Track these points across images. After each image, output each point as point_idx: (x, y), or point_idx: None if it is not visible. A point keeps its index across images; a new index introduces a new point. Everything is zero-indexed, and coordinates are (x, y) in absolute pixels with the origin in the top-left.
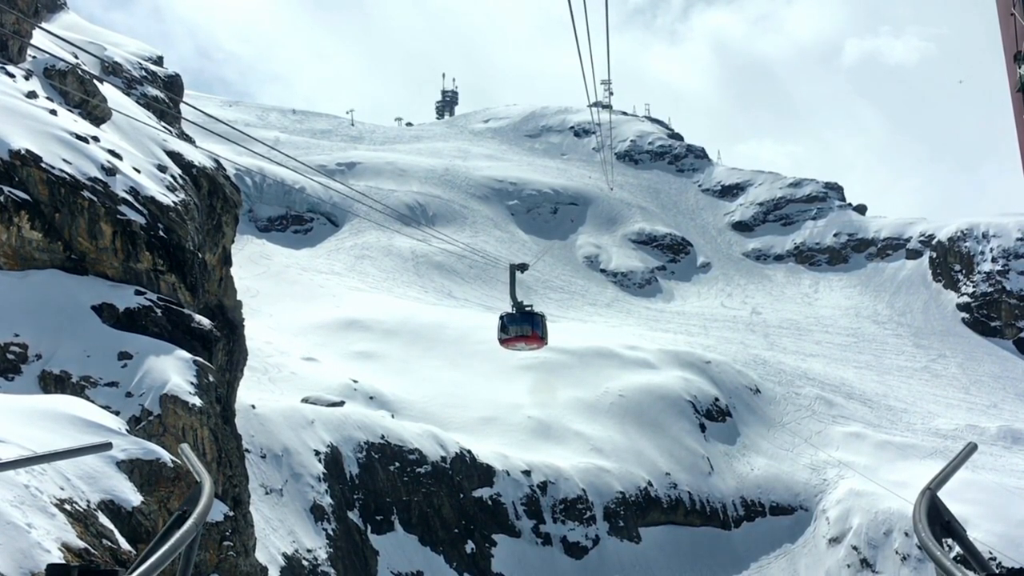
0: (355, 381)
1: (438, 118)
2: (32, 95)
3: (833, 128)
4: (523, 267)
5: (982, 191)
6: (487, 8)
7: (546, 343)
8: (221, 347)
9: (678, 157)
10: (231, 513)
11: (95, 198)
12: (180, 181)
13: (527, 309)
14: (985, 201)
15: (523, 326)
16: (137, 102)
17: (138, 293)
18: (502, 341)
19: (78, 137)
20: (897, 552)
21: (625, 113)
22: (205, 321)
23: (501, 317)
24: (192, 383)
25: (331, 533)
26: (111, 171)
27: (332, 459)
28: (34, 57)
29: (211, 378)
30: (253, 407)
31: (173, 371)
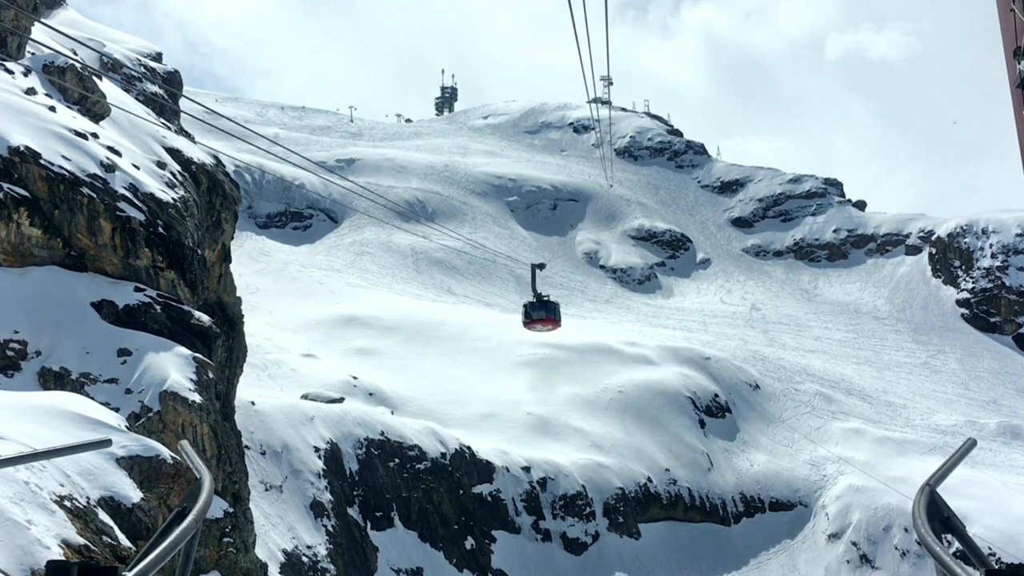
0: (355, 377)
1: (437, 114)
2: (31, 91)
3: (826, 123)
4: (541, 266)
5: (977, 185)
6: (479, 3)
7: (560, 326)
8: (220, 344)
9: (677, 153)
10: (231, 509)
11: (94, 195)
12: (179, 178)
13: (545, 299)
14: (980, 196)
15: (542, 312)
16: (136, 98)
17: (137, 290)
18: (525, 324)
19: (77, 134)
20: (896, 548)
21: (624, 109)
22: (204, 318)
23: (524, 305)
24: (192, 380)
25: (331, 529)
26: (110, 168)
27: (332, 455)
28: (33, 53)
29: (210, 375)
30: (253, 403)
31: (172, 368)
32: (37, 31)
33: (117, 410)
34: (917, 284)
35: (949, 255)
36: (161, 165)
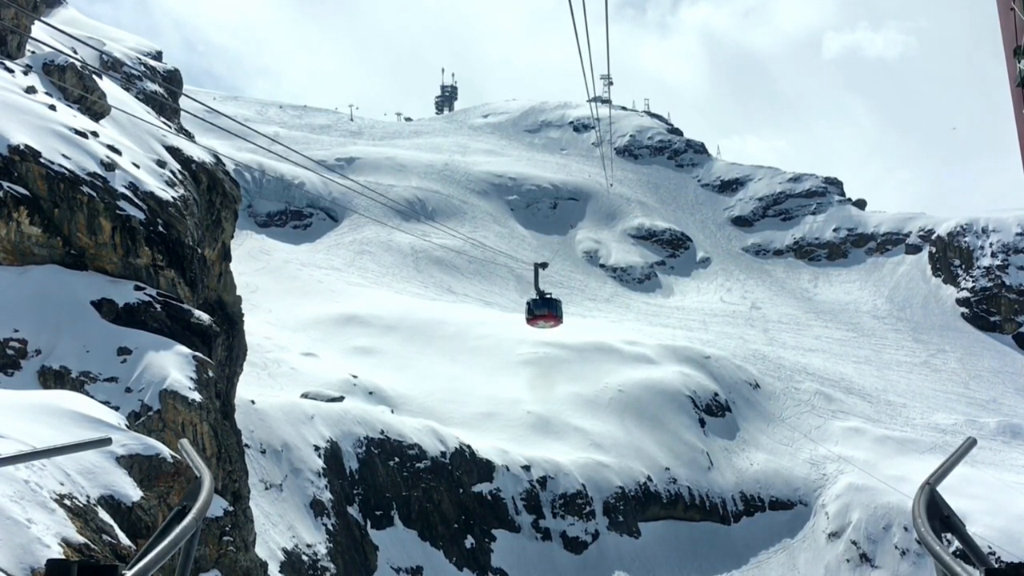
0: (354, 376)
1: (437, 113)
2: (31, 90)
3: (825, 122)
4: (544, 265)
5: (976, 185)
6: (479, 4)
7: (562, 322)
8: (220, 342)
9: (677, 152)
10: (231, 508)
11: (94, 193)
12: (179, 176)
13: (547, 296)
14: (980, 195)
15: (544, 309)
16: (136, 97)
17: (137, 288)
18: (528, 321)
19: (77, 132)
20: (896, 547)
21: (624, 108)
22: (204, 316)
23: (528, 303)
24: (192, 378)
25: (331, 528)
26: (110, 166)
27: (332, 454)
28: (33, 52)
29: (210, 373)
30: (253, 402)
31: (172, 367)
32: (37, 30)
33: (117, 409)
34: (917, 283)
35: (949, 254)
36: (161, 164)
